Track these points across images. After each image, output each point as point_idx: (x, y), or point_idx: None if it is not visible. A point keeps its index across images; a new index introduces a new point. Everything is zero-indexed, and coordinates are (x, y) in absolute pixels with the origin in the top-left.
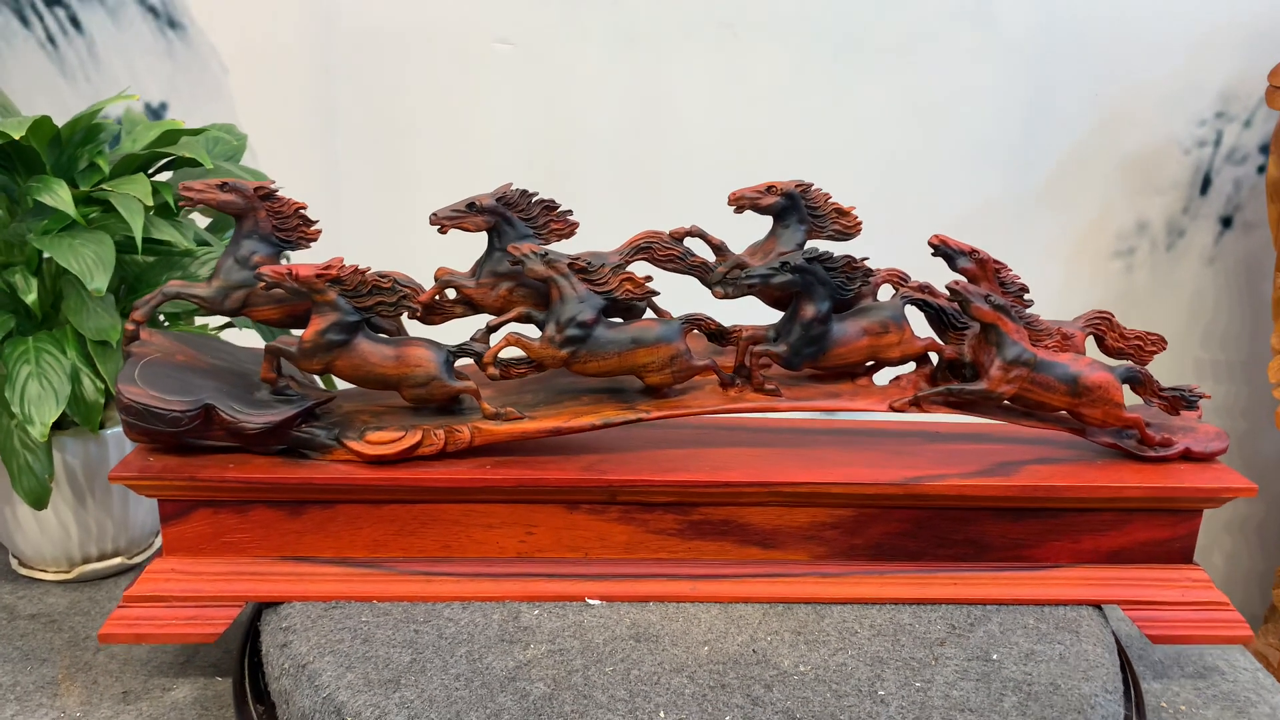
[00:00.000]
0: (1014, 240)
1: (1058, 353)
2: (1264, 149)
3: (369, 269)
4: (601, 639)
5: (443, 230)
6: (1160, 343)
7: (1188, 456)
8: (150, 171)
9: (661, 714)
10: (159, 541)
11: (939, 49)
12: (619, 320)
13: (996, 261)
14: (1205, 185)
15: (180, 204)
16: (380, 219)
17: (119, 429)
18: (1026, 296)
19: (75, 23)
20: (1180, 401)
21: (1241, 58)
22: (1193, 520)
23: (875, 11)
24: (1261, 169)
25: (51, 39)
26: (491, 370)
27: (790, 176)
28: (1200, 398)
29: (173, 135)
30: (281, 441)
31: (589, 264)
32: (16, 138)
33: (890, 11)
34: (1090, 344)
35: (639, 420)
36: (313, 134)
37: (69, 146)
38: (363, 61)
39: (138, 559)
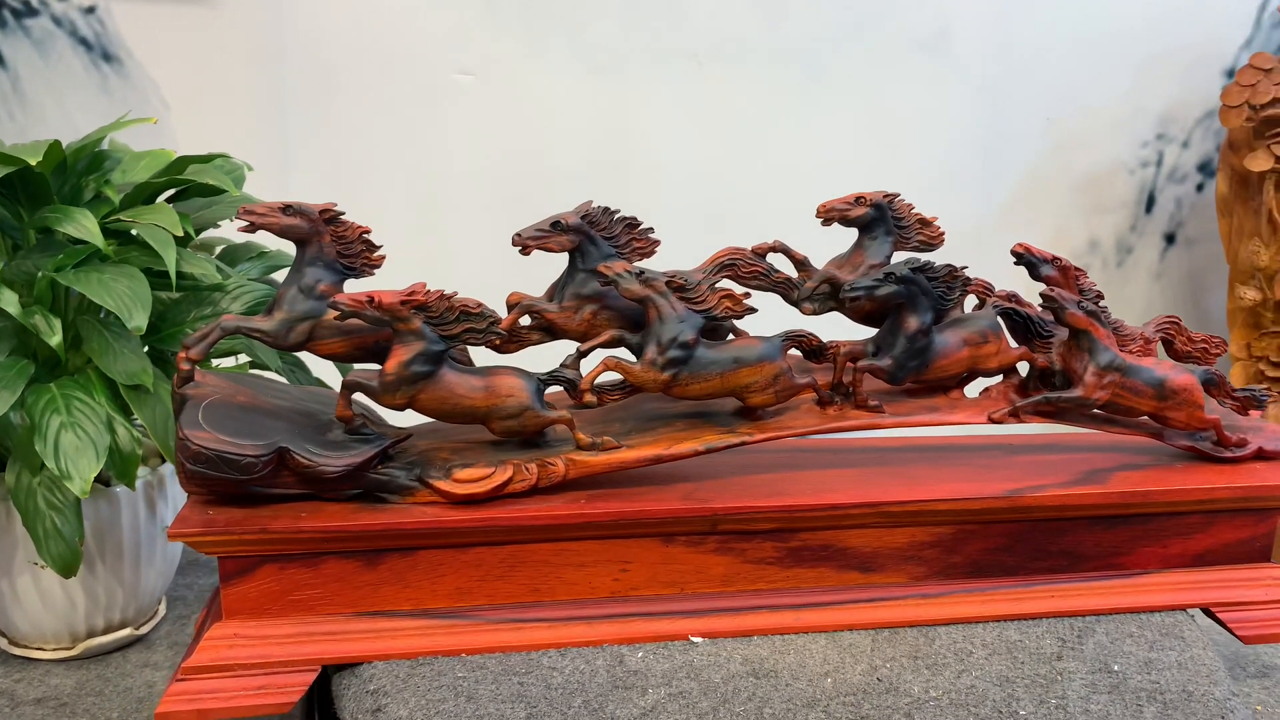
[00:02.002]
0: (977, 262)
1: (1141, 357)
2: (1201, 168)
3: (455, 294)
4: (719, 678)
5: (525, 251)
6: (1222, 345)
7: (1261, 455)
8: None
9: None
10: (164, 608)
11: (900, 79)
12: (715, 341)
13: (1076, 268)
14: (1150, 204)
15: (240, 228)
16: None
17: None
18: (1102, 303)
19: None
20: (1251, 401)
21: (1178, 83)
22: (1272, 518)
23: (837, 42)
24: (1200, 187)
25: None
26: (589, 397)
27: (753, 204)
28: (1268, 397)
29: (181, 164)
30: (357, 485)
31: (686, 281)
32: (33, 164)
33: (851, 42)
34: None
35: (742, 444)
36: (264, 170)
37: (72, 175)
38: (316, 94)
39: (145, 629)
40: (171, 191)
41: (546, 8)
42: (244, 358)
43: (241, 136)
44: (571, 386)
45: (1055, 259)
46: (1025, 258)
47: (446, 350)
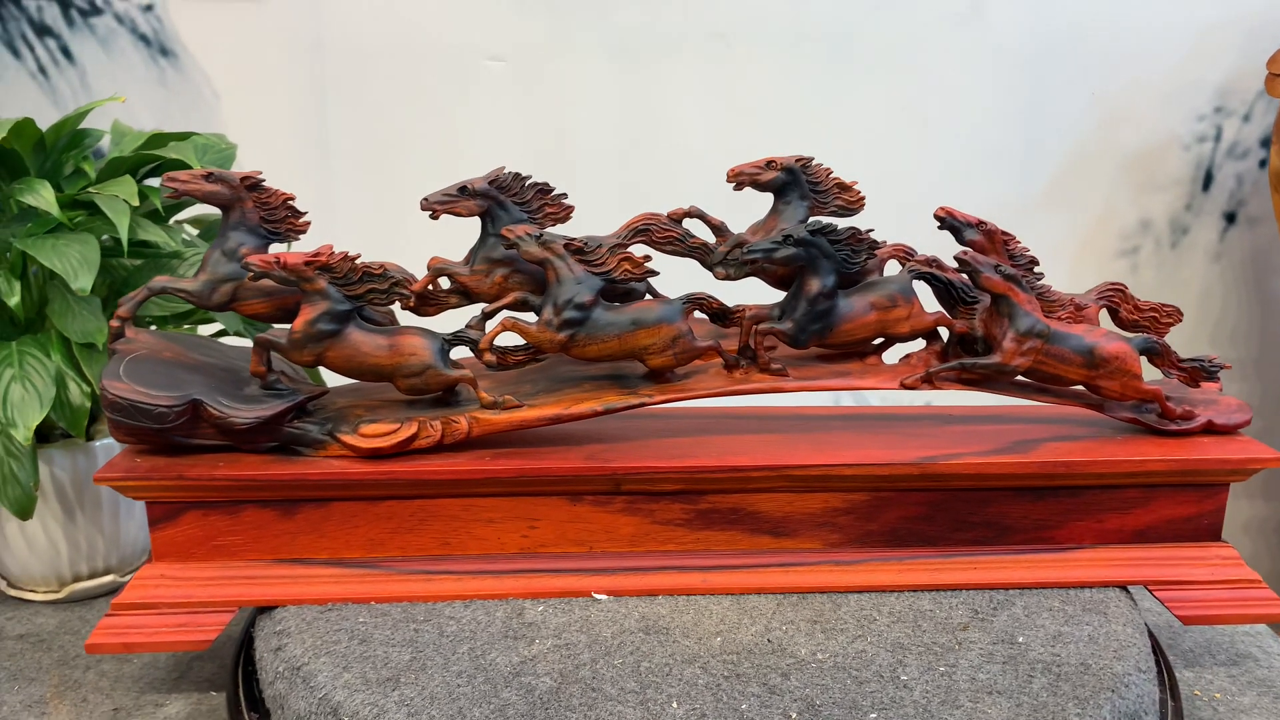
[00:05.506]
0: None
1: (1071, 324)
2: (1264, 143)
3: (359, 256)
4: (609, 633)
5: (434, 215)
6: (1176, 314)
7: (1210, 429)
8: (138, 176)
9: (674, 705)
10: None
11: (933, 54)
12: (618, 304)
13: (1005, 233)
14: (1207, 181)
15: (165, 196)
16: (375, 240)
17: (109, 440)
18: (1037, 269)
19: (67, 53)
20: (1200, 373)
21: (1238, 52)
22: (1219, 495)
23: (867, 18)
24: (1263, 163)
25: (43, 70)
26: (488, 357)
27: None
28: (1221, 368)
29: (160, 140)
30: (273, 438)
31: (586, 244)
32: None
33: (882, 17)
34: (1103, 317)
35: (642, 405)
36: (307, 158)
37: (53, 152)
38: (355, 83)
39: (129, 577)
40: (150, 167)
41: None
42: (219, 325)
43: (285, 124)
44: (474, 346)
45: (981, 223)
46: (949, 221)
47: (353, 310)
